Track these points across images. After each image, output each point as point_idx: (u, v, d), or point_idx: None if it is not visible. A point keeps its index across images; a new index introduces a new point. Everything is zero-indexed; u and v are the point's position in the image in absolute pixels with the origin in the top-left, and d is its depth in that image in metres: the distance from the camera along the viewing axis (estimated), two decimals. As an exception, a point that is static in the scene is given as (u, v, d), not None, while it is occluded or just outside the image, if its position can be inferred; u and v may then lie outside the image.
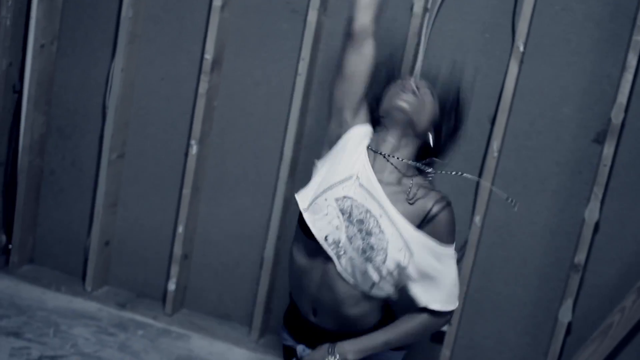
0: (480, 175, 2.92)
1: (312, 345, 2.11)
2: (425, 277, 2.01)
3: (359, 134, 2.14)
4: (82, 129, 3.45)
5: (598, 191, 2.85)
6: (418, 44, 2.93)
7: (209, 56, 3.14)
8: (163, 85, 3.33)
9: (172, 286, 3.38)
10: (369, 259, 1.98)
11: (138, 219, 3.47)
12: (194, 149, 3.24)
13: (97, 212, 3.39)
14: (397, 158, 2.08)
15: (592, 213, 2.88)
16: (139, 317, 3.37)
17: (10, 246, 3.52)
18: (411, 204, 2.02)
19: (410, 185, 2.05)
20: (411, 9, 2.91)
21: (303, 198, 2.11)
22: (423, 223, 2.01)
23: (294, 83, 3.10)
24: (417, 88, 2.09)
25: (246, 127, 3.27)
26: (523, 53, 2.82)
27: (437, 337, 3.11)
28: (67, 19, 3.37)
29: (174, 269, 3.36)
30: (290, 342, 2.23)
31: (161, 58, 3.30)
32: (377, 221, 1.99)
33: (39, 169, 3.50)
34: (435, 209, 2.02)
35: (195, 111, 3.21)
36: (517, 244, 3.04)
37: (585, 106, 2.86)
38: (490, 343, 3.14)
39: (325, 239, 2.02)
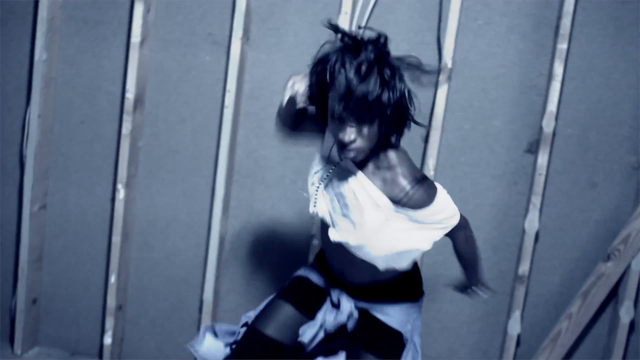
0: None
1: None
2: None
3: None
4: (-2, 182, 3.27)
5: (536, 200, 2.87)
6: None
7: (130, 95, 3.02)
8: (83, 129, 3.18)
9: (108, 340, 3.20)
10: (345, 216, 2.08)
11: (66, 273, 3.28)
12: (121, 194, 3.10)
13: (21, 268, 3.19)
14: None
15: (531, 223, 2.90)
16: (74, 376, 3.19)
17: None
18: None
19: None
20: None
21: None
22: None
23: (221, 116, 3.02)
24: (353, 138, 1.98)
25: (174, 165, 3.15)
26: (451, 69, 2.83)
27: None
28: (-26, 66, 3.20)
29: (109, 322, 3.19)
30: (318, 281, 2.37)
31: (80, 100, 3.16)
32: (352, 189, 2.07)
33: (-47, 228, 3.28)
34: (405, 193, 2.03)
35: (119, 153, 3.08)
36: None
37: (515, 117, 2.89)
38: (443, 364, 3.09)
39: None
